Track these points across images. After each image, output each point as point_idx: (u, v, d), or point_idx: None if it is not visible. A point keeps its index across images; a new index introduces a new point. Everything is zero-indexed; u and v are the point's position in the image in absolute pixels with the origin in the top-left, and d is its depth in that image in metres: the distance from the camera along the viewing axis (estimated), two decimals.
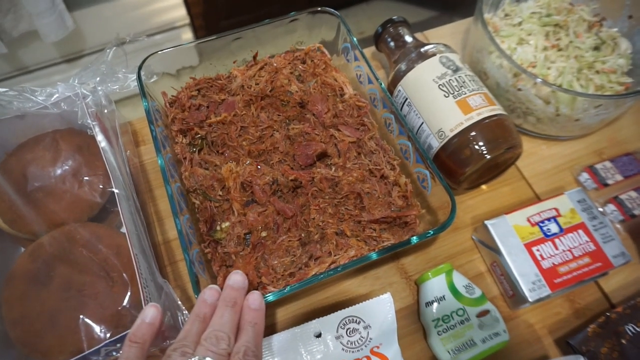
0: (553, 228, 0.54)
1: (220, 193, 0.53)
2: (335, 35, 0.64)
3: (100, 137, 0.48)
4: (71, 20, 1.36)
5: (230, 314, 0.39)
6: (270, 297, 0.43)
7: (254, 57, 0.64)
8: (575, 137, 0.66)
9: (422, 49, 0.60)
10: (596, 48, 0.65)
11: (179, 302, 0.46)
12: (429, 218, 0.53)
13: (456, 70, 0.57)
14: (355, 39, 0.60)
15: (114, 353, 0.40)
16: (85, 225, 0.48)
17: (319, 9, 0.61)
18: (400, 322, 0.52)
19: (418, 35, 0.76)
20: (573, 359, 0.44)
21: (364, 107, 0.60)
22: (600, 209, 0.59)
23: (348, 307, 0.50)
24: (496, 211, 0.60)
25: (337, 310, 0.50)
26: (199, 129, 0.58)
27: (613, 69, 0.61)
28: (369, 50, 0.74)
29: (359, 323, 0.49)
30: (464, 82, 0.56)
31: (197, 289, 0.43)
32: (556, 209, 0.55)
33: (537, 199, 0.61)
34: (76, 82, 0.56)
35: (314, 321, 0.49)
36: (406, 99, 0.59)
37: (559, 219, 0.54)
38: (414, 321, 0.53)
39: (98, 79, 0.58)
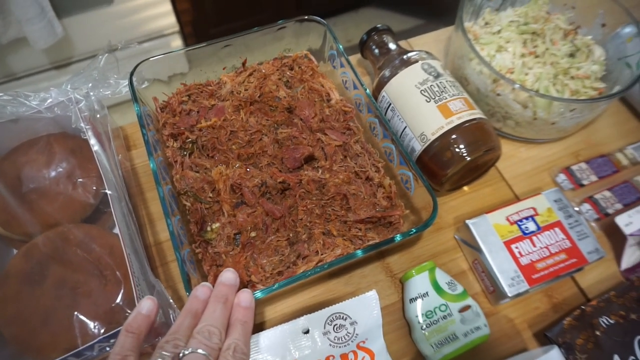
0: (531, 226, 0.56)
1: (211, 195, 0.55)
2: (322, 43, 0.66)
3: (93, 141, 0.50)
4: (60, 27, 1.37)
5: (221, 310, 0.40)
6: (259, 294, 0.45)
7: (243, 64, 0.65)
8: (552, 140, 0.68)
9: (405, 56, 0.62)
10: (571, 55, 0.68)
11: (171, 301, 0.48)
12: (412, 218, 0.55)
13: (437, 76, 0.60)
14: (341, 46, 0.62)
15: (108, 349, 0.42)
16: (79, 226, 0.49)
17: (306, 17, 0.63)
18: (386, 318, 0.54)
19: (402, 42, 0.78)
20: (548, 349, 0.46)
21: (349, 112, 0.62)
22: (577, 208, 0.62)
23: (335, 304, 0.51)
24: (478, 211, 0.63)
25: (324, 308, 0.51)
26: (190, 133, 0.60)
27: (587, 75, 0.64)
28: (355, 57, 0.76)
29: (345, 319, 0.51)
30: (444, 87, 0.59)
31: (189, 287, 0.45)
32: (534, 208, 0.57)
33: (517, 199, 0.64)
34: (69, 87, 0.58)
35: (301, 318, 0.50)
36: (390, 104, 0.61)
37: (537, 218, 0.56)
38: (399, 318, 0.55)
39: (90, 84, 0.59)
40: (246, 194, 0.55)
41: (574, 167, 0.65)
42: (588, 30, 0.70)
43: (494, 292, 0.54)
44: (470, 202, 0.64)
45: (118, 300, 0.44)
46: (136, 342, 0.37)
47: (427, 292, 0.53)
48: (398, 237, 0.49)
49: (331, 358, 0.48)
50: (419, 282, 0.53)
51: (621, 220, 0.57)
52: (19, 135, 0.53)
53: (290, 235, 0.53)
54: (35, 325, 0.43)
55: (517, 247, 0.54)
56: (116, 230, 0.54)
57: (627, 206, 0.61)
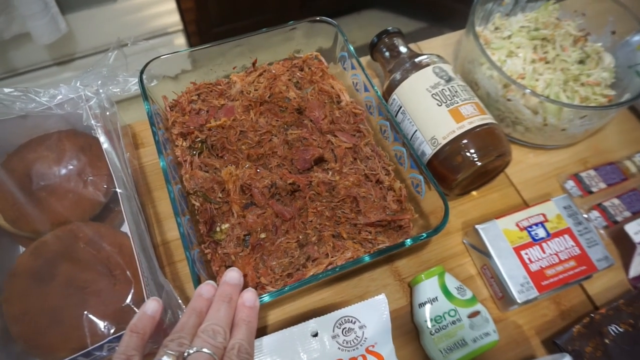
0: (540, 233, 0.56)
1: (220, 195, 0.55)
2: (332, 44, 0.66)
3: (103, 139, 0.49)
4: (64, 23, 1.36)
5: (226, 309, 0.40)
6: (267, 298, 0.44)
7: (253, 64, 0.65)
8: (561, 147, 0.68)
9: (416, 59, 0.62)
10: (581, 62, 0.68)
11: (180, 301, 0.47)
12: (421, 222, 0.55)
13: (449, 80, 0.60)
14: (352, 48, 0.62)
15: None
16: (89, 224, 0.48)
17: (318, 18, 0.63)
18: (394, 322, 0.53)
19: (411, 46, 0.78)
20: (559, 357, 0.46)
21: (360, 114, 0.62)
22: (585, 215, 0.62)
23: (344, 307, 0.51)
24: (486, 216, 0.62)
25: (333, 311, 0.51)
26: (199, 133, 0.59)
27: (597, 82, 0.64)
28: (364, 59, 0.76)
29: (354, 323, 0.51)
30: (456, 91, 0.58)
31: (199, 284, 0.44)
32: (543, 215, 0.57)
33: (525, 204, 0.64)
34: (79, 84, 0.57)
35: (311, 321, 0.50)
36: (400, 107, 0.61)
37: (546, 224, 0.56)
38: (407, 322, 0.55)
39: (100, 81, 0.59)
40: (256, 195, 0.55)
41: (583, 174, 0.65)
42: (598, 37, 0.70)
43: (503, 298, 0.54)
44: (479, 207, 0.63)
45: (128, 300, 0.44)
46: (140, 342, 0.37)
47: (436, 297, 0.53)
48: (408, 242, 0.49)
49: None
50: (428, 287, 0.53)
51: (631, 229, 0.57)
52: (28, 132, 0.53)
53: (300, 237, 0.53)
54: (44, 324, 0.43)
55: (526, 254, 0.54)
56: (124, 229, 0.54)
57: (636, 214, 0.61)
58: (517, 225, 0.56)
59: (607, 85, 0.66)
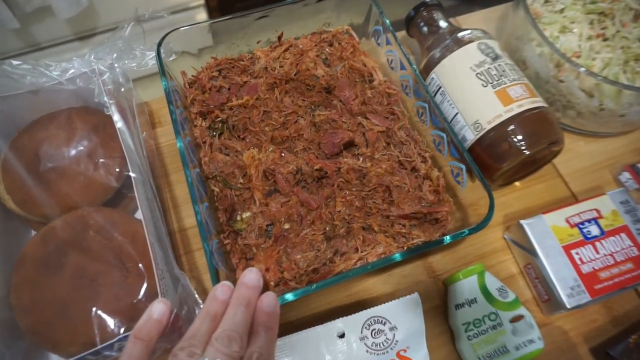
0: (594, 230, 0.50)
1: (242, 181, 0.51)
2: (364, 18, 0.60)
3: (117, 117, 0.45)
4: None
5: (243, 314, 0.36)
6: (290, 297, 0.40)
7: (279, 38, 0.60)
8: (615, 134, 0.62)
9: (458, 35, 0.56)
10: None
11: (197, 296, 0.44)
12: (458, 215, 0.50)
13: (495, 58, 0.53)
14: (388, 21, 0.56)
15: None
16: (100, 210, 0.45)
17: None
18: (426, 323, 0.49)
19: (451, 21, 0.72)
20: None
21: (394, 95, 0.57)
22: None
23: (372, 306, 0.47)
24: (530, 209, 0.57)
25: (360, 309, 0.47)
26: (220, 112, 0.55)
27: None
28: (398, 35, 0.70)
29: (384, 324, 0.47)
30: (503, 71, 0.52)
31: (217, 281, 0.41)
32: (597, 210, 0.51)
33: (574, 197, 0.58)
34: (92, 57, 0.53)
35: (337, 320, 0.46)
36: (440, 87, 0.56)
37: (600, 221, 0.51)
38: (440, 323, 0.51)
39: (115, 55, 0.55)
40: (280, 181, 0.50)
41: None
42: None
43: (549, 301, 0.49)
44: (522, 198, 0.58)
45: (140, 295, 0.40)
46: (145, 351, 0.33)
47: (475, 299, 0.48)
48: (447, 239, 0.44)
49: None
50: (467, 287, 0.49)
51: None
52: (38, 108, 0.49)
53: (327, 228, 0.49)
54: (52, 317, 0.40)
55: (577, 253, 0.49)
56: (138, 215, 0.51)
57: None
58: (567, 221, 0.51)
59: None
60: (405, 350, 0.45)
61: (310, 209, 0.49)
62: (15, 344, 0.40)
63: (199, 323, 0.35)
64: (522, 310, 0.48)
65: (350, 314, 0.46)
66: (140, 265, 0.41)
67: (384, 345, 0.45)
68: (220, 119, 0.55)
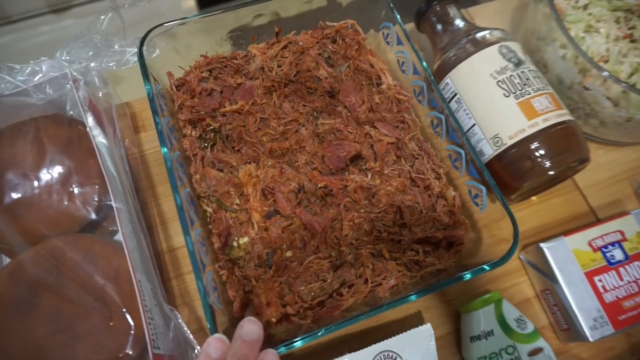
0: (617, 255, 0.47)
1: (238, 202, 0.45)
2: (372, 10, 0.54)
3: (95, 132, 0.39)
4: None
5: None
6: (299, 343, 0.36)
7: (277, 34, 0.54)
8: (636, 143, 0.58)
9: (476, 35, 0.51)
10: None
11: (191, 336, 0.39)
12: (471, 236, 0.46)
13: (519, 63, 0.48)
14: (399, 16, 0.50)
15: None
16: (77, 239, 0.39)
17: None
18: (437, 352, 0.46)
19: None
20: None
21: (405, 102, 0.51)
22: None
23: (380, 333, 0.44)
24: (546, 226, 0.53)
25: (366, 337, 0.44)
26: (211, 120, 0.49)
27: None
28: (407, 28, 0.64)
29: (395, 359, 0.43)
30: (527, 79, 0.48)
31: (214, 325, 0.36)
32: (621, 232, 0.48)
33: (592, 213, 0.54)
34: (64, 57, 0.46)
35: (345, 357, 0.42)
36: (455, 94, 0.50)
37: (624, 244, 0.47)
38: (453, 352, 0.47)
39: (91, 52, 0.48)
40: (280, 201, 0.45)
41: None
42: None
43: (569, 330, 0.46)
44: (539, 213, 0.54)
45: (127, 348, 0.35)
46: None
47: (492, 330, 0.44)
48: (467, 276, 0.40)
49: None
50: (483, 318, 0.45)
51: None
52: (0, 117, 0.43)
53: (333, 255, 0.44)
54: None
55: (600, 280, 0.46)
56: (118, 237, 0.45)
57: None
58: (590, 244, 0.47)
59: None
60: None
61: (315, 233, 0.45)
62: None
63: None
64: (541, 343, 0.45)
65: (356, 343, 0.43)
66: (124, 309, 0.36)
67: None
68: (212, 127, 0.49)
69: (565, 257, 0.47)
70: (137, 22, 0.54)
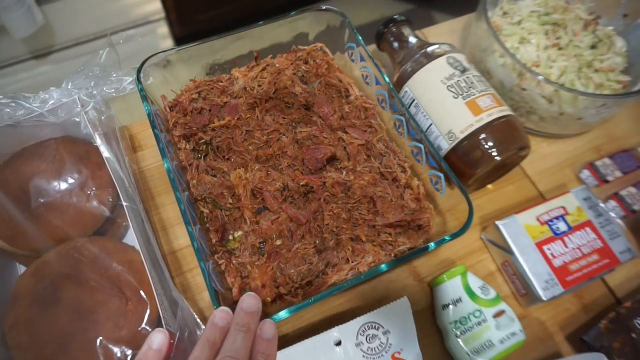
0: (562, 226, 0.54)
1: (231, 201, 0.52)
2: (338, 34, 0.63)
3: (104, 147, 0.46)
4: (41, 15, 1.30)
5: (243, 340, 0.36)
6: (285, 314, 0.42)
7: (256, 58, 0.61)
8: (574, 135, 0.67)
9: (428, 49, 0.59)
10: (593, 46, 0.65)
11: (197, 318, 0.45)
12: (438, 220, 0.53)
13: (464, 70, 0.57)
14: (361, 38, 0.59)
15: None
16: (93, 240, 0.45)
17: (324, 7, 0.59)
18: (416, 325, 0.52)
19: (417, 33, 0.75)
20: (594, 357, 0.45)
21: (371, 109, 0.59)
22: (602, 205, 0.60)
23: (364, 312, 0.49)
24: (502, 210, 0.61)
25: (353, 316, 0.49)
26: (203, 134, 0.56)
27: (611, 68, 0.62)
28: (369, 48, 0.72)
29: (378, 329, 0.49)
30: (472, 82, 0.56)
31: (217, 302, 0.42)
32: (564, 208, 0.56)
33: (541, 196, 0.62)
34: (70, 86, 0.53)
35: (333, 329, 0.48)
36: (413, 100, 0.59)
37: (567, 217, 0.55)
38: (429, 324, 0.53)
39: (92, 82, 0.55)
40: (268, 199, 0.52)
41: (598, 163, 0.63)
42: (608, 20, 0.68)
43: (526, 295, 0.53)
44: (495, 200, 0.62)
45: (144, 323, 0.41)
46: None
47: (459, 298, 0.51)
48: (432, 246, 0.47)
49: None
50: (451, 288, 0.52)
51: None
52: (19, 140, 0.49)
53: (317, 242, 0.51)
54: (53, 352, 0.40)
55: (549, 249, 0.53)
56: (127, 240, 0.51)
57: None
58: (538, 219, 0.55)
59: (620, 70, 0.64)
60: (399, 352, 0.48)
61: (300, 224, 0.51)
62: None
63: (198, 351, 0.35)
64: (503, 306, 0.51)
65: (344, 321, 0.48)
66: (141, 291, 0.41)
67: (379, 349, 0.48)
68: (203, 140, 0.56)
69: (518, 231, 0.54)
70: (130, 56, 0.61)
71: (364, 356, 0.47)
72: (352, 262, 0.49)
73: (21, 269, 0.50)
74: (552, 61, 0.62)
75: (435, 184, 0.53)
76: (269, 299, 0.47)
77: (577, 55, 0.63)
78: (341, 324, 0.48)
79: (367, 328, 0.49)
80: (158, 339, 0.36)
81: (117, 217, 0.48)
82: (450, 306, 0.51)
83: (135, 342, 0.40)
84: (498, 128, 0.53)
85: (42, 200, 0.44)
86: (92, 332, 0.40)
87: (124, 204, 0.43)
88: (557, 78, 0.61)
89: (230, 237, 0.50)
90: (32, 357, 0.40)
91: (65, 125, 0.49)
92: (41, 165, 0.45)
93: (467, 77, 0.56)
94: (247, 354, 0.36)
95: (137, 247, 0.43)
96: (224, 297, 0.45)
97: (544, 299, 0.50)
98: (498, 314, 0.51)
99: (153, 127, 0.51)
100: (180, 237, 0.56)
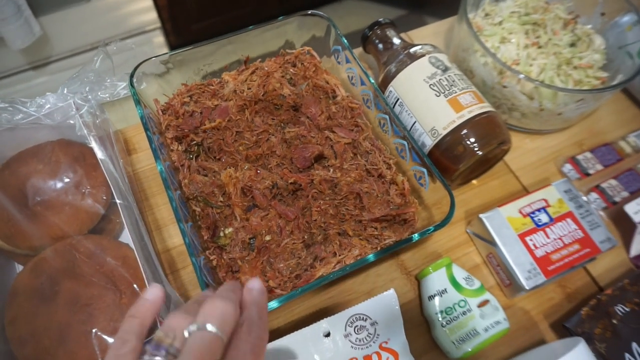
0: (543, 218, 0.56)
1: (221, 199, 0.54)
2: (324, 38, 0.65)
3: (98, 149, 0.48)
4: (38, 26, 1.32)
5: (232, 292, 0.33)
6: (276, 304, 0.43)
7: (245, 62, 0.64)
8: (556, 130, 0.69)
9: (411, 50, 0.61)
10: (572, 44, 0.68)
11: None
12: (425, 214, 0.55)
13: (445, 69, 0.59)
14: (345, 41, 0.61)
15: None
16: (88, 237, 0.47)
17: (310, 12, 0.61)
18: (404, 316, 0.53)
19: (402, 36, 0.77)
20: (573, 341, 0.47)
21: (357, 109, 0.61)
22: (584, 198, 0.62)
23: (353, 305, 0.51)
24: (487, 204, 0.63)
25: (341, 309, 0.51)
26: (194, 136, 0.58)
27: (590, 64, 0.64)
28: (356, 51, 0.75)
29: (366, 320, 0.50)
30: (453, 81, 0.58)
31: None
32: (545, 200, 0.57)
33: (525, 190, 0.64)
34: (65, 91, 0.55)
35: (322, 321, 0.50)
36: (398, 99, 0.61)
37: (549, 209, 0.57)
38: (417, 315, 0.55)
39: (87, 88, 0.57)
40: (257, 197, 0.54)
41: (580, 157, 0.65)
42: (587, 19, 0.70)
43: (510, 285, 0.54)
44: (480, 195, 0.63)
45: None
46: (138, 328, 0.32)
47: (445, 289, 0.53)
48: (416, 237, 0.48)
49: None
50: (437, 279, 0.53)
51: (630, 209, 0.58)
52: (17, 144, 0.51)
53: (305, 237, 0.52)
54: (51, 344, 0.41)
55: (531, 240, 0.55)
56: (122, 238, 0.53)
57: (633, 194, 0.62)
58: (520, 212, 0.56)
59: (599, 67, 0.66)
60: (387, 342, 0.49)
61: (289, 220, 0.53)
62: None
63: (184, 305, 0.33)
64: (487, 296, 0.53)
65: (333, 314, 0.50)
66: (134, 286, 0.43)
67: (367, 340, 0.49)
68: (195, 142, 0.58)
69: (501, 224, 0.56)
70: (124, 61, 0.63)
71: (352, 347, 0.49)
72: (340, 255, 0.51)
73: (19, 268, 0.52)
74: (532, 59, 0.64)
75: (419, 179, 0.55)
76: None
77: (556, 53, 0.65)
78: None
79: (355, 319, 0.50)
80: (153, 291, 0.33)
81: (112, 215, 0.50)
82: (436, 297, 0.52)
83: None
84: (479, 124, 0.55)
85: (39, 199, 0.46)
86: (88, 324, 0.42)
87: (118, 201, 0.45)
88: (536, 75, 0.63)
89: (221, 234, 0.52)
90: (31, 350, 0.41)
91: (61, 128, 0.51)
92: (38, 166, 0.47)
93: (449, 76, 0.58)
94: (237, 302, 0.33)
95: (131, 244, 0.44)
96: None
97: (527, 288, 0.52)
98: (482, 304, 0.52)
99: (146, 129, 0.52)
100: (174, 236, 0.58)
